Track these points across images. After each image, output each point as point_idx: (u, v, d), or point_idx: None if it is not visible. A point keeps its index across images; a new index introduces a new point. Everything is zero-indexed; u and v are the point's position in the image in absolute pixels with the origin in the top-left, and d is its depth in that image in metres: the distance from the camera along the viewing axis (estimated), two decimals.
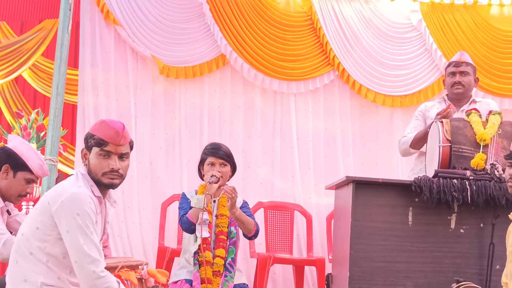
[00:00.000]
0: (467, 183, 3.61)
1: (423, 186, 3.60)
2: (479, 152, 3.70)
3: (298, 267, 5.36)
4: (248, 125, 5.97)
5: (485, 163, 3.69)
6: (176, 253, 5.00)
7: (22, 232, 2.68)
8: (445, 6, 6.17)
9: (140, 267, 3.27)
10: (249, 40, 5.90)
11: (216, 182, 3.72)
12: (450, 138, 3.75)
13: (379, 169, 5.93)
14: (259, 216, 5.43)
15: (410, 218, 3.67)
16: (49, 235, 2.61)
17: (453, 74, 4.37)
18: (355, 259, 3.61)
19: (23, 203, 5.21)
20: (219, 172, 3.78)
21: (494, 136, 3.75)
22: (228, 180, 3.90)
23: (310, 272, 5.65)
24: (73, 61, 6.20)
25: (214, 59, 5.91)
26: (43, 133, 5.55)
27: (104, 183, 2.71)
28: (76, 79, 5.90)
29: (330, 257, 5.22)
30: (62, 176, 5.28)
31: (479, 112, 3.92)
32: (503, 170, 3.53)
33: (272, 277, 5.58)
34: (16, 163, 3.32)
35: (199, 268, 3.69)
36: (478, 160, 3.69)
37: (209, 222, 3.71)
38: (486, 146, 3.72)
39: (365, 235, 3.64)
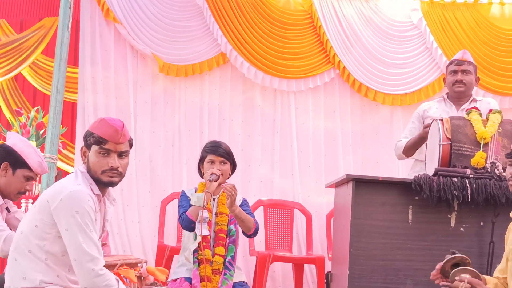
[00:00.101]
0: (467, 181, 3.60)
1: (423, 184, 3.59)
2: (479, 150, 3.70)
3: (298, 265, 5.36)
4: (248, 123, 5.97)
5: (485, 161, 3.68)
6: (175, 251, 5.00)
7: (21, 230, 2.68)
8: (446, 5, 6.16)
9: (139, 265, 3.27)
10: (249, 39, 5.90)
11: (216, 180, 3.71)
12: (450, 137, 3.74)
13: (379, 168, 5.93)
14: (259, 214, 5.43)
15: (410, 217, 3.67)
16: (48, 233, 2.61)
17: (455, 72, 4.37)
18: (355, 257, 3.61)
19: (23, 200, 5.20)
20: (219, 170, 3.77)
21: (494, 134, 3.74)
22: (228, 178, 3.90)
23: (309, 270, 5.65)
24: (73, 59, 6.20)
25: (214, 57, 5.91)
26: (42, 131, 5.54)
27: (104, 181, 2.71)
28: (76, 77, 5.91)
29: (329, 255, 5.21)
30: (61, 174, 5.27)
31: (479, 110, 3.91)
32: (504, 169, 3.52)
33: (272, 275, 5.58)
34: (16, 161, 3.32)
35: (199, 266, 3.68)
36: (478, 158, 3.68)
37: (209, 220, 3.71)
38: (486, 144, 3.71)
39: (365, 233, 3.63)
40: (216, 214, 3.81)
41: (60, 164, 5.98)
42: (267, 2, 5.99)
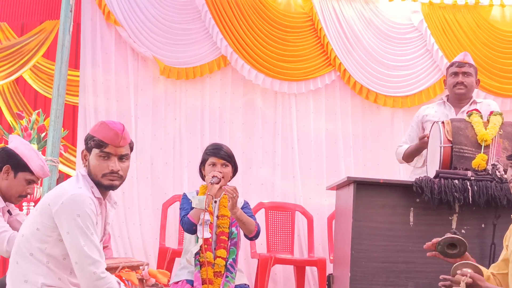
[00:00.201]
0: (468, 183, 3.60)
1: (424, 186, 3.59)
2: (480, 152, 3.70)
3: (299, 267, 5.36)
4: (249, 126, 5.97)
5: (486, 163, 3.68)
6: (177, 253, 5.00)
7: (22, 233, 2.68)
8: (446, 7, 6.16)
9: (141, 267, 3.26)
10: (249, 41, 5.90)
11: (218, 183, 3.71)
12: (451, 139, 3.75)
13: (380, 170, 5.93)
14: (260, 216, 5.43)
15: (411, 219, 3.67)
16: (50, 236, 2.61)
17: (456, 74, 4.37)
18: (356, 259, 3.61)
19: (24, 203, 5.21)
20: (221, 172, 3.77)
21: (495, 136, 3.75)
22: (229, 180, 3.89)
23: (311, 273, 5.65)
24: (74, 62, 6.21)
25: (215, 60, 5.91)
26: (44, 134, 5.55)
27: (104, 185, 2.71)
28: (77, 80, 5.91)
29: (331, 258, 5.21)
30: (63, 177, 5.27)
31: (480, 112, 3.92)
32: (505, 171, 3.53)
33: (273, 277, 5.58)
34: (17, 164, 3.33)
35: (200, 269, 3.68)
36: (479, 160, 3.68)
37: (210, 222, 3.71)
38: (487, 146, 3.71)
39: (366, 236, 3.63)
40: (217, 216, 3.81)
41: (62, 167, 5.98)
42: (267, 5, 5.99)
